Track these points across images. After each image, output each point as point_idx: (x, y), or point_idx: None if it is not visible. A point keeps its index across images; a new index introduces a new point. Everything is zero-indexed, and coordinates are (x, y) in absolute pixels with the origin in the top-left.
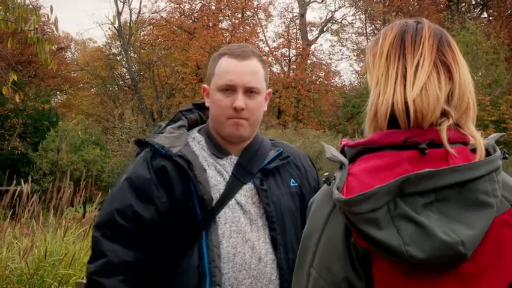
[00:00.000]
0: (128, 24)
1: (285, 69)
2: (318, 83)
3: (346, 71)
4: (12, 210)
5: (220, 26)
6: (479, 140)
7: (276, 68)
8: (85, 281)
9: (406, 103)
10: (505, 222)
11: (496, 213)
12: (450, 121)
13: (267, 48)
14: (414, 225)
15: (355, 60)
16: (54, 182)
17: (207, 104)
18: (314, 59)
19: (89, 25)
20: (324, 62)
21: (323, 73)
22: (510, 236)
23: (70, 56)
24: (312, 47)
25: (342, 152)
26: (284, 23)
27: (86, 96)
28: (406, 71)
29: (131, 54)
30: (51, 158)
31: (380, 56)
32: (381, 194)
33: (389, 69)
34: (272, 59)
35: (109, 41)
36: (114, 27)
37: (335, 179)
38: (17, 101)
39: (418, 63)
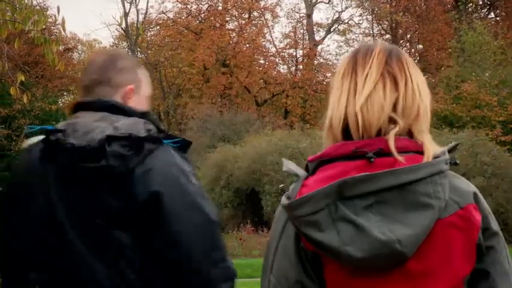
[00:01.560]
0: (135, 25)
1: (292, 69)
2: (325, 83)
3: None
4: None
5: (227, 27)
6: (427, 146)
7: (282, 69)
8: None
9: (355, 114)
10: (453, 224)
11: (442, 215)
12: (397, 128)
13: (273, 49)
14: (353, 227)
15: None
16: None
17: (131, 104)
18: (321, 60)
19: (96, 26)
20: (331, 63)
21: (330, 73)
22: (458, 237)
23: (76, 56)
24: (319, 47)
25: (307, 165)
26: (291, 23)
27: None
28: (356, 85)
29: (138, 55)
30: None
31: (337, 75)
32: (319, 197)
33: (343, 85)
34: (279, 60)
35: (116, 42)
36: (121, 27)
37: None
38: (25, 101)
39: (367, 75)
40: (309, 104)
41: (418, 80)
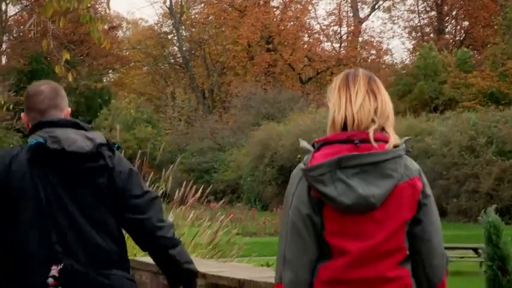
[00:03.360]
0: (179, 3)
1: (336, 46)
2: (369, 60)
3: (398, 49)
4: None
5: (271, 4)
6: (391, 138)
7: (327, 46)
8: (138, 258)
9: (353, 115)
10: (404, 188)
11: (398, 182)
12: (376, 126)
13: (318, 26)
14: (345, 185)
15: (407, 37)
16: None
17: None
18: (366, 37)
19: (140, 4)
20: (375, 40)
21: (374, 51)
22: (407, 196)
23: (121, 35)
24: (364, 24)
25: (313, 144)
26: (335, 0)
27: (138, 75)
28: (351, 97)
29: (183, 33)
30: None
31: (334, 89)
32: (325, 166)
33: (340, 97)
34: (323, 37)
35: (161, 20)
36: (165, 5)
37: (302, 160)
38: (70, 79)
39: (357, 91)
40: None
41: (386, 94)
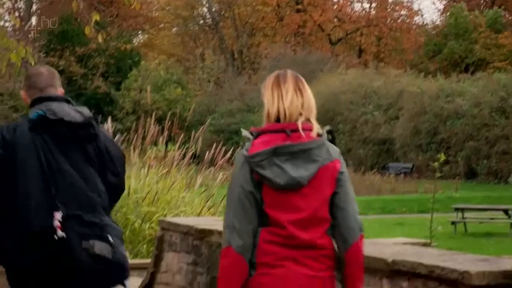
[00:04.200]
0: None
1: (366, 7)
2: (399, 21)
3: (428, 9)
4: None
5: None
6: (314, 127)
7: (357, 6)
8: (168, 218)
9: (284, 110)
10: (326, 169)
11: (322, 165)
12: (303, 118)
13: None
14: (280, 169)
15: None
16: (136, 121)
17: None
18: None
19: None
20: (405, 0)
21: (405, 11)
22: (328, 175)
23: None
24: None
25: (251, 132)
26: None
27: (167, 36)
28: (282, 94)
29: None
30: (133, 97)
31: (268, 87)
32: (264, 154)
33: (273, 94)
34: None
35: None
36: None
37: (244, 146)
38: (100, 41)
39: (287, 89)
40: (383, 43)
41: (309, 90)
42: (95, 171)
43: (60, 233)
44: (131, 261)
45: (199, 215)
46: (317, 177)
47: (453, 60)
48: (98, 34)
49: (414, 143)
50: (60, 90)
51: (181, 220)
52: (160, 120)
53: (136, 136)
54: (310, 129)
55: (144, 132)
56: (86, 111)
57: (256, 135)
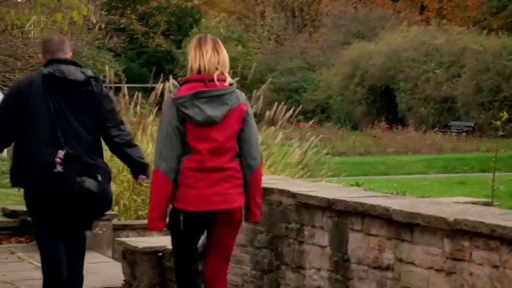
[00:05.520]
0: None
1: None
2: None
3: None
4: (157, 107)
5: None
6: (227, 79)
7: None
8: None
9: (204, 65)
10: (235, 110)
11: (231, 107)
12: (218, 71)
13: None
14: (199, 109)
15: None
16: None
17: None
18: None
19: None
20: None
21: None
22: (236, 114)
23: None
24: None
25: (179, 82)
26: None
27: None
28: (202, 53)
29: None
30: None
31: (191, 48)
32: (187, 96)
33: (196, 53)
34: None
35: None
36: None
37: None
38: None
39: (207, 50)
40: None
41: (225, 51)
42: (92, 120)
43: (58, 167)
44: None
45: None
46: (228, 116)
47: None
48: None
49: (477, 101)
50: (69, 55)
51: None
52: None
53: None
54: (224, 80)
55: None
56: (88, 72)
57: (182, 84)
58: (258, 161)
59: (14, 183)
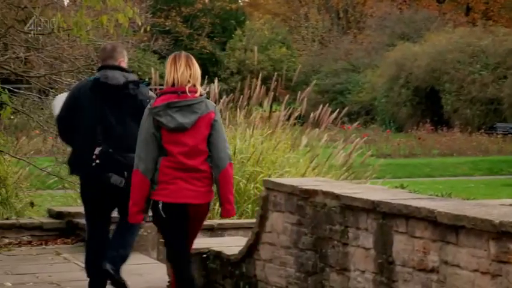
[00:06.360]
0: None
1: None
2: None
3: None
4: None
5: None
6: (198, 90)
7: None
8: (273, 178)
9: (177, 78)
10: (204, 118)
11: (201, 115)
12: (190, 84)
13: None
14: (171, 117)
15: None
16: (241, 82)
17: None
18: None
19: None
20: None
21: None
22: (205, 121)
23: None
24: None
25: (157, 94)
26: None
27: None
28: (176, 68)
29: None
30: (238, 58)
31: (168, 64)
32: (161, 107)
33: (171, 67)
34: None
35: None
36: None
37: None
38: (206, 1)
39: (180, 65)
40: (492, 0)
41: (197, 66)
42: (133, 121)
43: (96, 162)
44: (236, 221)
45: (303, 175)
46: (198, 123)
47: None
48: None
49: None
50: (119, 61)
51: (285, 180)
52: (264, 81)
53: (241, 97)
54: (195, 92)
55: (250, 92)
56: (131, 77)
57: (159, 95)
58: (226, 161)
59: (70, 172)
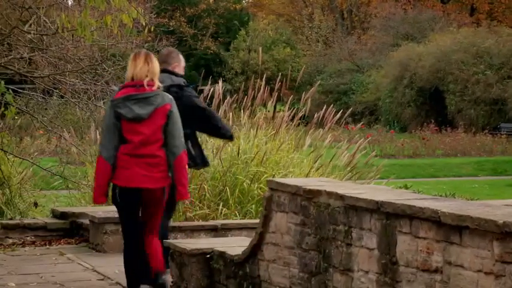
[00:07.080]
0: None
1: None
2: None
3: None
4: None
5: None
6: (155, 84)
7: None
8: (277, 179)
9: (136, 73)
10: (161, 109)
11: (157, 107)
12: (148, 78)
13: None
14: (129, 108)
15: None
16: (245, 82)
17: (176, 70)
18: None
19: None
20: None
21: None
22: (161, 113)
23: None
24: None
25: (119, 87)
26: None
27: None
28: (136, 64)
29: None
30: (242, 58)
31: (129, 60)
32: (120, 99)
33: (131, 64)
34: None
35: None
36: None
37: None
38: (210, 1)
39: (139, 61)
40: (497, 0)
41: (155, 62)
42: (183, 118)
43: None
44: (240, 221)
45: (307, 175)
46: (154, 114)
47: None
48: None
49: None
50: (172, 66)
51: (289, 180)
52: (268, 81)
53: (245, 97)
54: (153, 85)
55: (254, 93)
56: (177, 80)
57: (120, 89)
58: (180, 148)
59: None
